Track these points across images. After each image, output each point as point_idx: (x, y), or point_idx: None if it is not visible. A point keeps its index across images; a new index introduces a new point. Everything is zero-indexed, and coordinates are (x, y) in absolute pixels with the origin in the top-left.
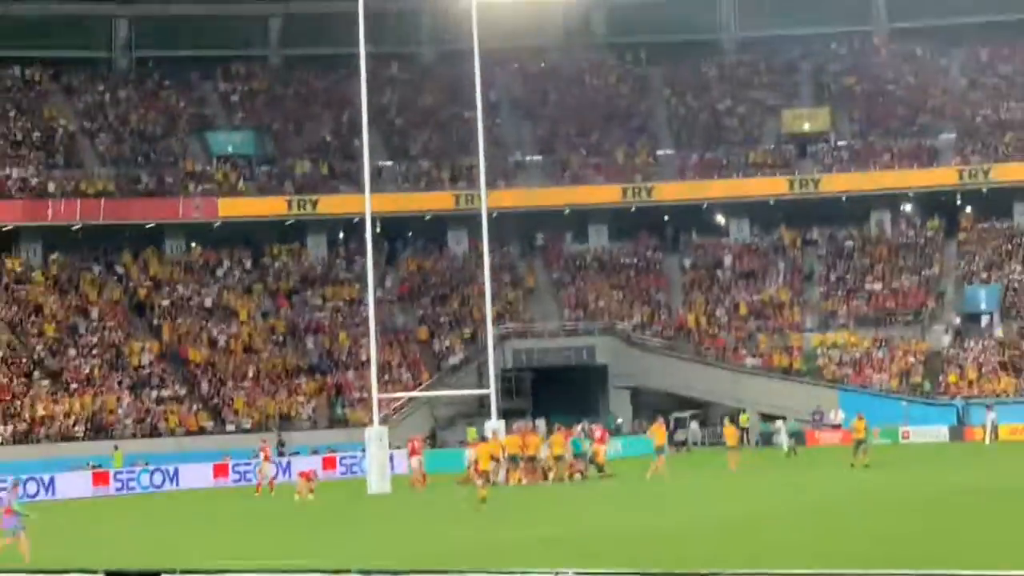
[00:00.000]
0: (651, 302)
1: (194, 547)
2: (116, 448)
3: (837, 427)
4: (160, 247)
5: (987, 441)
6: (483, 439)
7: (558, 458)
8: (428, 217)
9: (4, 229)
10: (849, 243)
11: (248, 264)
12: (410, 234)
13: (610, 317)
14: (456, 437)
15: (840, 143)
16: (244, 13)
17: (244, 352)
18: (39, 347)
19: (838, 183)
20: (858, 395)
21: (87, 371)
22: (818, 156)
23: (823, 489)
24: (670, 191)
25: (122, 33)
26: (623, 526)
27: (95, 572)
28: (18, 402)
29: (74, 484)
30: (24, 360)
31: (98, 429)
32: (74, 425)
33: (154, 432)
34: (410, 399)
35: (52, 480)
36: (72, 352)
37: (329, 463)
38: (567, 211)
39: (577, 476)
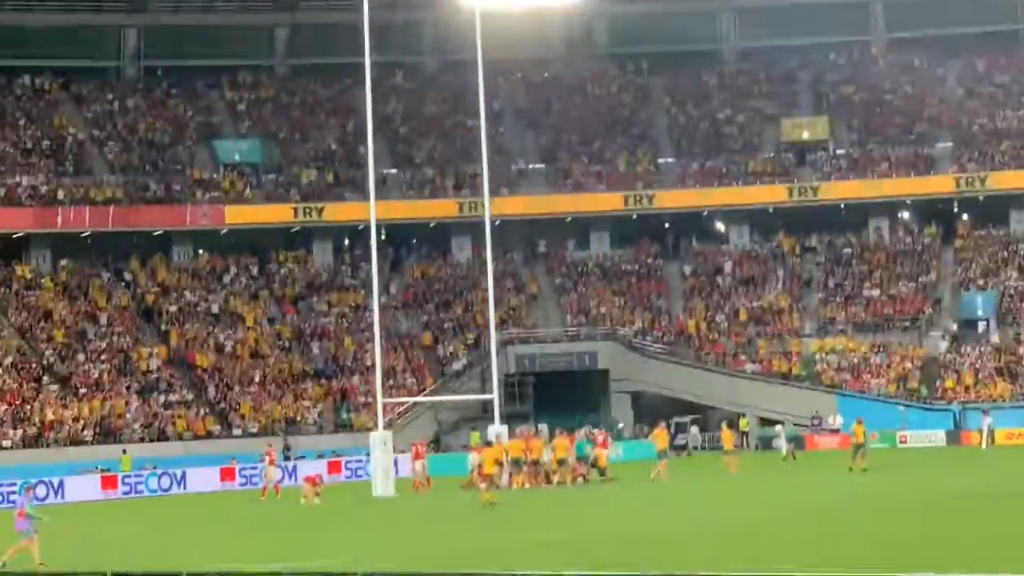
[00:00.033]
0: (652, 308)
1: (201, 550)
2: (124, 452)
3: (836, 432)
4: (168, 254)
5: (983, 445)
6: (488, 444)
7: (561, 462)
8: (432, 224)
9: (14, 236)
10: (847, 250)
11: (255, 271)
12: (414, 241)
13: (612, 323)
14: (460, 441)
15: (838, 151)
16: (251, 23)
17: (251, 357)
18: (48, 352)
19: (836, 191)
20: (856, 400)
21: (96, 376)
22: (817, 164)
23: (822, 493)
24: (671, 199)
25: (131, 43)
26: (625, 529)
27: (103, 574)
28: (28, 406)
29: (83, 487)
30: (34, 365)
31: (107, 433)
32: (83, 429)
33: (162, 436)
34: (414, 404)
35: (61, 483)
36: (81, 357)
37: (334, 467)
38: (569, 218)
39: (579, 480)
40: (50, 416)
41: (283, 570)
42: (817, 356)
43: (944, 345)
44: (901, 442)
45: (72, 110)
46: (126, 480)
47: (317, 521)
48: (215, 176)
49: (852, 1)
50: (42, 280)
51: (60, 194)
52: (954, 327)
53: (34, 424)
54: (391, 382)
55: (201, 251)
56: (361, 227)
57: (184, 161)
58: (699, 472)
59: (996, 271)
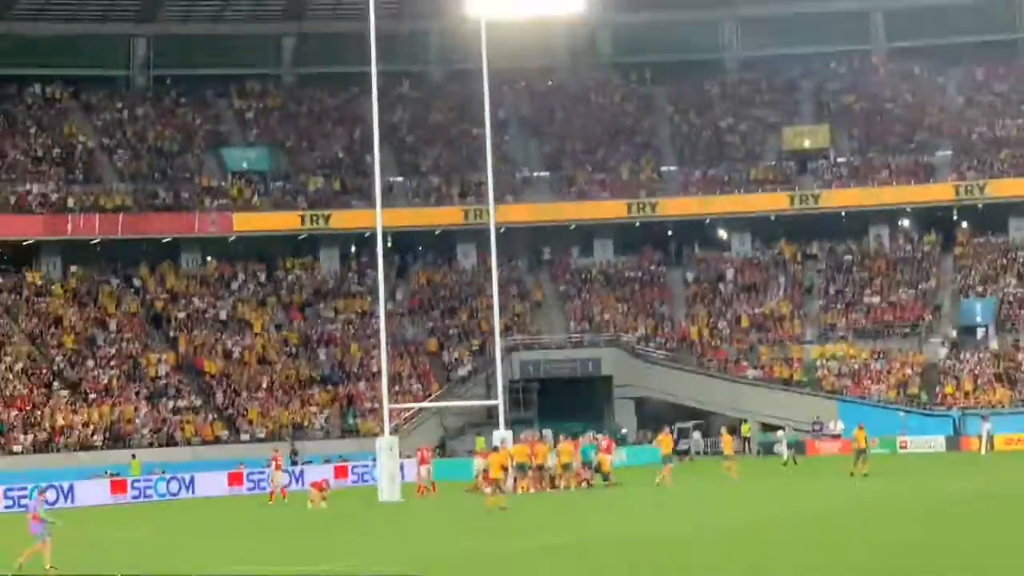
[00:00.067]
0: (655, 315)
1: (209, 553)
2: (133, 457)
3: (836, 437)
4: (176, 261)
5: (983, 451)
6: (495, 449)
7: (565, 467)
8: (438, 232)
9: (25, 243)
10: (848, 257)
11: (262, 277)
12: (420, 248)
13: (615, 329)
14: (465, 447)
15: (839, 160)
16: (259, 33)
17: (258, 363)
18: (59, 358)
19: (837, 199)
20: (857, 406)
21: (105, 382)
22: (818, 172)
23: (823, 498)
24: (674, 206)
25: (140, 52)
26: (629, 533)
27: None
28: (38, 412)
29: (93, 492)
30: (44, 371)
31: (116, 438)
32: (93, 434)
33: (170, 441)
34: (420, 409)
35: (71, 488)
36: (91, 363)
37: (341, 472)
38: (573, 226)
39: (583, 484)
40: (60, 421)
41: (291, 574)
42: (818, 362)
43: (944, 351)
44: (901, 447)
45: (82, 118)
46: (135, 485)
47: (324, 525)
48: (223, 184)
49: (853, 11)
50: (52, 287)
51: (70, 202)
52: (954, 334)
53: (44, 429)
54: (397, 388)
55: (209, 258)
56: (367, 234)
57: (193, 169)
58: (701, 477)
59: (995, 278)
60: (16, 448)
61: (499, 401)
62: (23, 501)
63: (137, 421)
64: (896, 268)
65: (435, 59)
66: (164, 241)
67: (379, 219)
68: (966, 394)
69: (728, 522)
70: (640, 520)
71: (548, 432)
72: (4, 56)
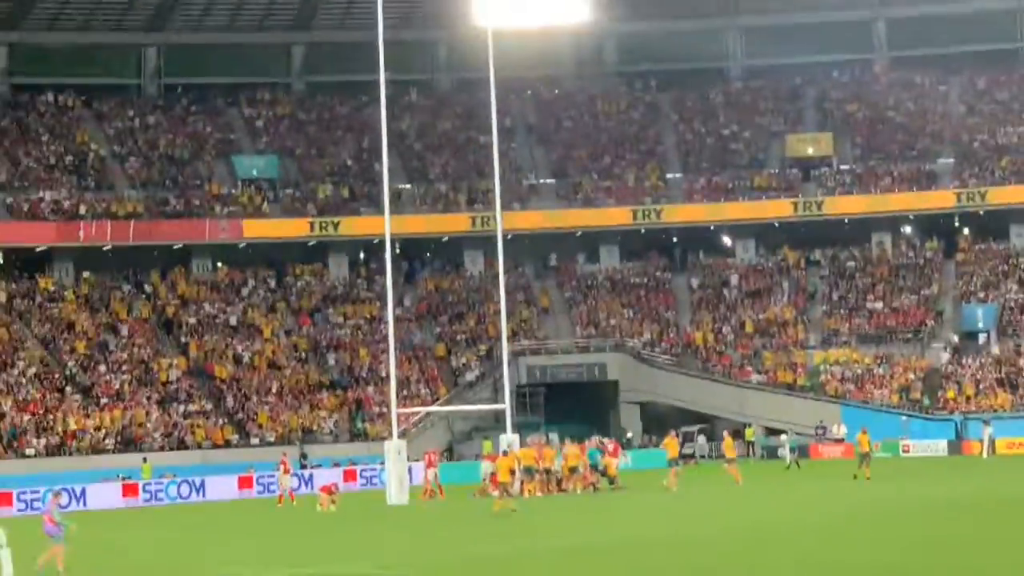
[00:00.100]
0: (660, 320)
1: (219, 556)
2: (145, 461)
3: (840, 441)
4: (187, 267)
5: (984, 455)
6: (504, 453)
7: (572, 470)
8: (445, 238)
9: (38, 250)
10: (851, 263)
11: (272, 283)
12: (428, 255)
13: (621, 335)
14: (472, 450)
15: (842, 167)
16: (268, 42)
17: (268, 368)
18: (71, 363)
19: (840, 206)
20: (860, 410)
21: (117, 386)
22: (821, 180)
23: (826, 501)
24: (678, 213)
25: (151, 61)
26: (635, 536)
27: None
28: (51, 416)
29: (104, 495)
30: (57, 376)
31: (128, 442)
32: (104, 438)
33: (181, 445)
34: (428, 413)
35: (83, 491)
36: (103, 368)
37: (350, 475)
38: (579, 233)
39: (590, 488)
40: (72, 425)
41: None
42: (821, 367)
43: (946, 356)
44: (904, 452)
45: (94, 127)
46: (146, 488)
47: (333, 528)
48: (233, 191)
49: (855, 20)
50: (65, 292)
51: (82, 209)
52: (955, 339)
53: (57, 433)
54: (405, 392)
55: (220, 264)
56: (376, 241)
57: (203, 176)
58: (706, 480)
59: (996, 284)
60: (29, 452)
61: (506, 405)
62: (36, 504)
63: (148, 425)
64: (899, 274)
65: (443, 68)
66: (175, 247)
67: (387, 226)
68: (968, 399)
69: (733, 524)
70: (646, 523)
71: (554, 436)
72: (18, 65)
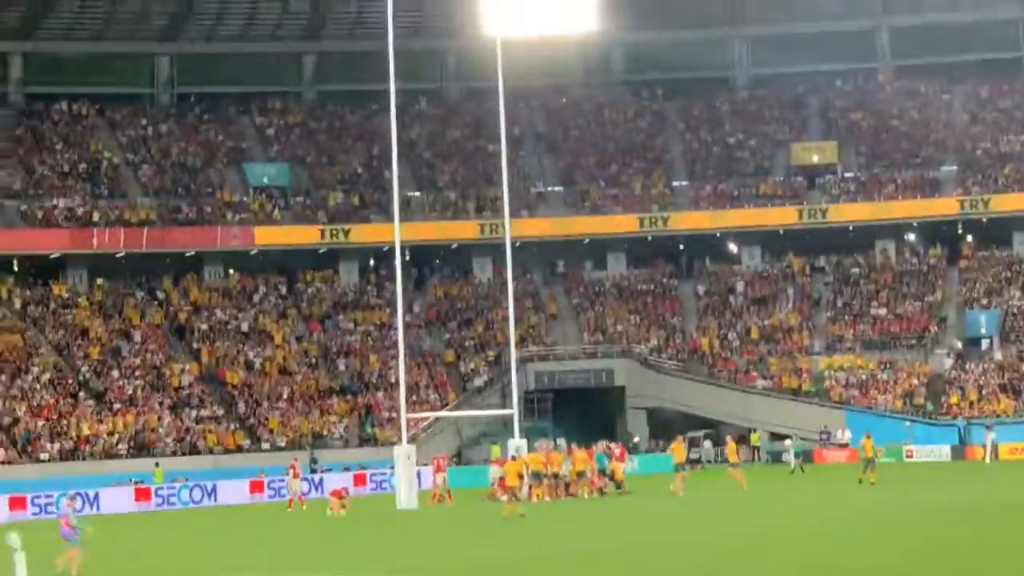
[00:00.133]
0: (667, 326)
1: (231, 560)
2: (157, 465)
3: (844, 446)
4: (199, 273)
5: (987, 460)
6: (513, 458)
7: (580, 475)
8: (454, 246)
9: (52, 257)
10: (855, 270)
11: (283, 290)
12: (437, 261)
13: (628, 341)
14: (481, 455)
15: (847, 175)
16: (280, 51)
17: (279, 374)
18: (85, 369)
19: (845, 213)
20: (864, 415)
21: (130, 392)
22: (826, 187)
23: (831, 505)
24: (685, 221)
25: (164, 70)
26: (642, 540)
27: None
28: (65, 421)
29: (117, 499)
30: (70, 381)
31: (140, 447)
32: (117, 443)
33: (193, 450)
34: (437, 419)
35: (97, 495)
36: (116, 374)
37: (360, 480)
38: (587, 240)
39: (597, 492)
40: (86, 430)
41: None
42: (826, 373)
43: (949, 362)
44: (907, 456)
45: (107, 135)
46: (159, 492)
47: (343, 533)
48: (245, 199)
49: (859, 30)
50: (78, 299)
51: (96, 216)
52: (959, 345)
53: (71, 438)
54: (414, 398)
55: (231, 271)
56: (386, 248)
57: (215, 184)
58: (712, 485)
59: (999, 291)
60: (43, 456)
61: (515, 411)
62: (50, 508)
63: (161, 430)
64: (902, 281)
65: (452, 77)
66: (187, 254)
67: (397, 233)
68: (971, 404)
69: (738, 528)
70: (653, 527)
71: (562, 441)
72: (32, 74)
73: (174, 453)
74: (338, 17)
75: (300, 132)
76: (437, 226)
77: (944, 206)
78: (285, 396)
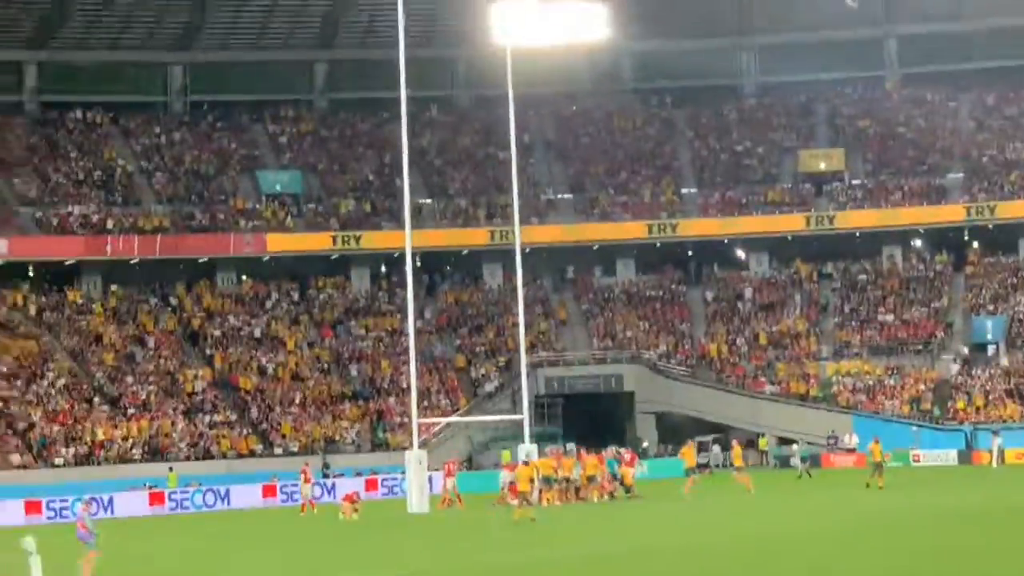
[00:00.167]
0: (675, 332)
1: (244, 563)
2: (171, 470)
3: (851, 451)
4: (212, 280)
5: (994, 465)
6: (525, 463)
7: (590, 479)
8: (465, 252)
9: (67, 263)
10: (862, 276)
11: (295, 296)
12: (448, 268)
13: (637, 346)
14: (491, 460)
15: (854, 182)
16: (292, 59)
17: (291, 379)
18: (99, 374)
19: (852, 220)
20: (871, 420)
21: (144, 397)
22: (833, 194)
23: (838, 509)
24: (693, 227)
25: (177, 79)
26: (652, 544)
27: None
28: (80, 426)
29: (132, 504)
30: (85, 387)
31: (154, 452)
32: (132, 448)
33: (207, 455)
34: (448, 424)
35: (111, 500)
36: (130, 379)
37: (371, 484)
38: (596, 246)
39: (607, 497)
40: (100, 435)
41: None
42: (833, 378)
43: (955, 368)
44: (914, 461)
45: (121, 143)
46: (173, 497)
47: (355, 537)
48: (258, 206)
49: (866, 38)
50: (93, 305)
51: (110, 223)
52: (965, 350)
53: (85, 443)
54: (425, 403)
55: (244, 277)
56: (397, 255)
57: (228, 191)
58: (720, 489)
59: (1005, 297)
60: (58, 461)
61: (525, 416)
62: (64, 512)
63: (174, 435)
64: (909, 287)
65: (462, 85)
66: (200, 261)
67: (408, 240)
68: (977, 409)
69: (746, 533)
70: (662, 531)
71: (572, 445)
72: (47, 83)
73: (188, 458)
74: (350, 26)
75: (312, 140)
76: (448, 233)
77: (950, 213)
78: (297, 401)
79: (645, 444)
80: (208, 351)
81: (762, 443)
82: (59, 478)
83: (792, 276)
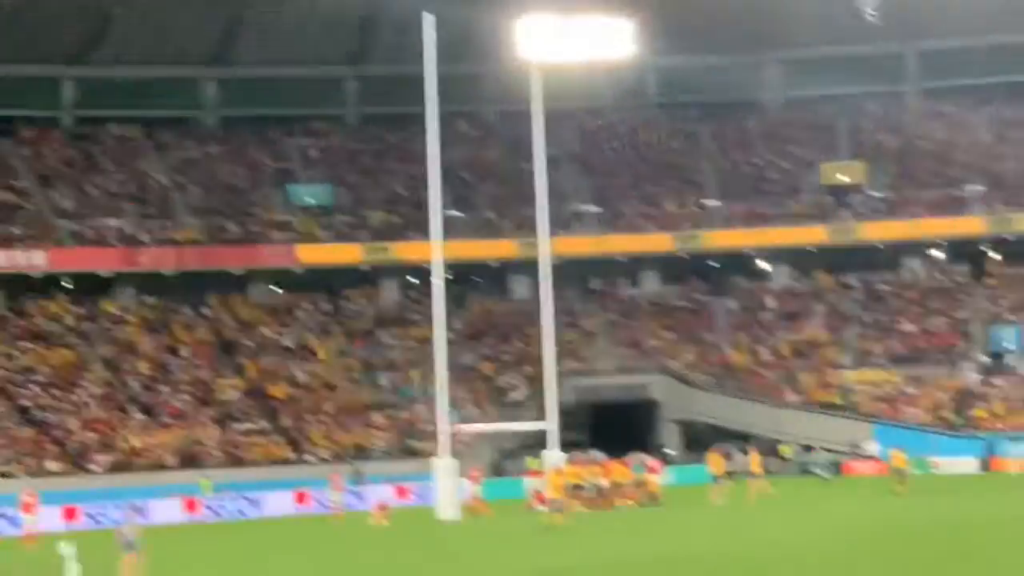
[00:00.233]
0: (700, 342)
1: (276, 569)
2: (205, 477)
3: (872, 459)
4: (245, 291)
5: (1013, 472)
6: (552, 471)
7: (616, 486)
8: (493, 263)
9: (102, 275)
10: (883, 287)
11: (326, 307)
12: (476, 279)
13: (662, 356)
14: (519, 468)
15: (875, 194)
16: (323, 75)
17: (323, 388)
18: (134, 384)
19: (873, 231)
20: (892, 428)
21: (178, 406)
22: (854, 206)
23: (861, 516)
24: (717, 239)
25: (210, 93)
26: (679, 551)
27: None
28: (115, 434)
29: (167, 510)
30: (120, 396)
31: (188, 459)
32: (166, 456)
33: (240, 463)
34: (476, 432)
35: (146, 507)
36: (164, 388)
37: (401, 492)
38: (622, 258)
39: (632, 503)
40: (136, 443)
41: None
42: (855, 387)
43: (975, 377)
44: (934, 469)
45: (155, 157)
46: (207, 504)
47: (384, 543)
48: (289, 218)
49: (887, 53)
50: (128, 316)
51: (145, 236)
52: (984, 360)
53: (121, 451)
54: (454, 411)
55: (276, 289)
56: (426, 266)
57: (260, 204)
58: (744, 496)
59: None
60: (94, 469)
61: (552, 424)
62: (100, 519)
63: (208, 443)
64: (929, 297)
65: (490, 100)
66: (233, 273)
67: (437, 251)
68: (997, 417)
69: (771, 539)
70: (688, 538)
71: (599, 454)
72: (84, 98)
73: (221, 465)
74: (380, 43)
75: (343, 154)
76: (476, 245)
77: (970, 224)
78: (329, 410)
79: (671, 452)
80: (241, 361)
81: (784, 450)
82: (95, 485)
83: (814, 287)
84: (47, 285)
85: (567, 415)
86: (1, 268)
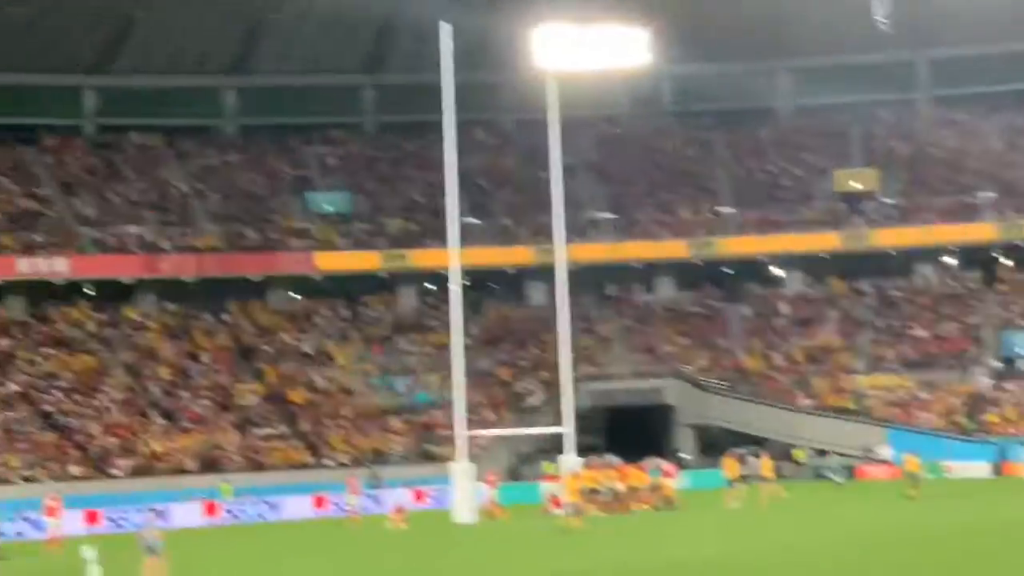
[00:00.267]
0: (714, 347)
1: (296, 572)
2: (225, 481)
3: (885, 463)
4: (264, 298)
5: None
6: (569, 475)
7: (632, 490)
8: (510, 270)
9: (124, 282)
10: (896, 293)
11: (345, 313)
12: (493, 285)
13: (677, 362)
14: (535, 472)
15: (887, 201)
16: (341, 84)
17: (341, 393)
18: (155, 389)
19: (885, 238)
20: (905, 433)
21: (198, 411)
22: (867, 213)
23: (874, 520)
24: (731, 245)
25: (230, 102)
26: (694, 555)
27: None
28: (136, 439)
29: (187, 514)
30: (141, 401)
31: (208, 464)
32: (187, 460)
33: (259, 467)
34: (493, 437)
35: (167, 510)
36: (185, 394)
37: (419, 495)
38: (637, 264)
39: (647, 507)
40: (157, 448)
41: None
42: (868, 392)
43: (987, 382)
44: (947, 473)
45: (176, 165)
46: (227, 508)
47: (402, 546)
48: (308, 226)
49: (899, 61)
50: (149, 322)
51: (165, 243)
52: (996, 365)
53: (142, 455)
54: (471, 416)
55: (295, 295)
56: (443, 272)
57: (279, 212)
58: (756, 500)
59: None
60: (116, 473)
61: (568, 429)
62: (122, 522)
63: (228, 448)
64: (941, 303)
65: (506, 108)
66: (253, 279)
67: (454, 258)
68: (1009, 422)
69: (786, 543)
70: (705, 542)
71: (615, 458)
72: (105, 107)
73: (241, 470)
74: (398, 51)
75: (361, 161)
76: (492, 251)
77: (981, 231)
78: (347, 415)
79: (686, 456)
80: (260, 366)
81: (798, 455)
82: (117, 489)
83: (827, 293)
84: (69, 292)
85: (583, 420)
86: (24, 275)
